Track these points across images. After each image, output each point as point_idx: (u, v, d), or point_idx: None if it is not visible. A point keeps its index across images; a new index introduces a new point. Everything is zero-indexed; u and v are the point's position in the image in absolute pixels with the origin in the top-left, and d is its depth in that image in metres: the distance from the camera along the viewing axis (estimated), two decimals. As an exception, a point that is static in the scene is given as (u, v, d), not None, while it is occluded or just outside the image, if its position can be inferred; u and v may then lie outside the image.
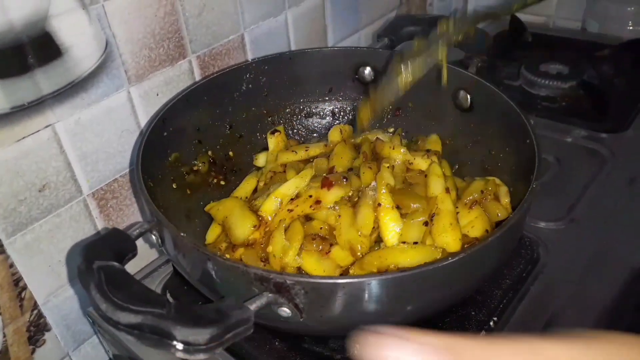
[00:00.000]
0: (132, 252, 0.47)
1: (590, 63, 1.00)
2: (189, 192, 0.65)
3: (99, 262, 0.40)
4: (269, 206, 0.60)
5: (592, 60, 1.01)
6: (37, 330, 0.64)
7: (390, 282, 0.42)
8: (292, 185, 0.61)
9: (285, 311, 0.42)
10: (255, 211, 0.60)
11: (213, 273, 0.44)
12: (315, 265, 0.54)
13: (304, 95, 0.77)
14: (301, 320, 0.43)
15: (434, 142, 0.70)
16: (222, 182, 0.71)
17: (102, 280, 0.39)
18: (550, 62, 1.00)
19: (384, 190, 0.57)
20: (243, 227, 0.57)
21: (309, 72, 0.75)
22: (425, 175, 0.61)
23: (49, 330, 0.66)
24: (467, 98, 0.68)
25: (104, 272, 0.39)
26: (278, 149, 0.71)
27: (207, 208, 0.63)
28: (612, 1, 1.11)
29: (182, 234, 0.46)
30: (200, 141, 0.68)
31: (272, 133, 0.72)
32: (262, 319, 0.41)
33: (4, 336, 0.61)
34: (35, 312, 0.63)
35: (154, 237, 0.49)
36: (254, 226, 0.58)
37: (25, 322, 0.63)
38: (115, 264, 0.41)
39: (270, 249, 0.56)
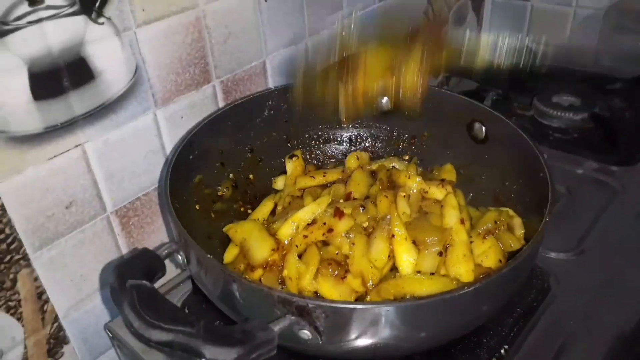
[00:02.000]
0: (161, 271, 0.49)
1: (602, 95, 1.02)
2: (213, 215, 0.67)
3: (131, 281, 0.42)
4: (286, 230, 0.62)
5: (604, 92, 1.03)
6: (56, 342, 0.66)
7: (407, 309, 0.44)
8: (308, 211, 0.63)
9: (306, 334, 0.44)
10: (273, 234, 0.62)
11: (237, 294, 0.46)
12: (331, 290, 0.56)
13: (322, 122, 0.80)
14: (320, 343, 0.44)
15: (448, 172, 0.72)
16: (249, 211, 0.73)
17: (135, 299, 0.41)
18: (562, 93, 1.02)
19: (397, 223, 0.58)
20: (262, 250, 0.59)
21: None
22: (441, 206, 0.62)
23: (67, 343, 0.67)
24: (482, 130, 0.70)
25: (136, 290, 0.41)
26: (296, 173, 0.73)
27: (225, 229, 0.65)
28: (624, 35, 1.13)
29: (208, 256, 0.48)
30: (223, 164, 0.70)
31: (290, 157, 0.74)
32: (283, 340, 0.43)
33: (25, 348, 0.63)
34: (55, 325, 0.65)
35: (180, 257, 0.51)
36: (272, 249, 0.59)
37: (46, 334, 0.64)
38: (147, 283, 0.43)
39: (285, 272, 0.58)
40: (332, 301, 0.48)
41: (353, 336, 0.46)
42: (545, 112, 1.00)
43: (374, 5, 0.95)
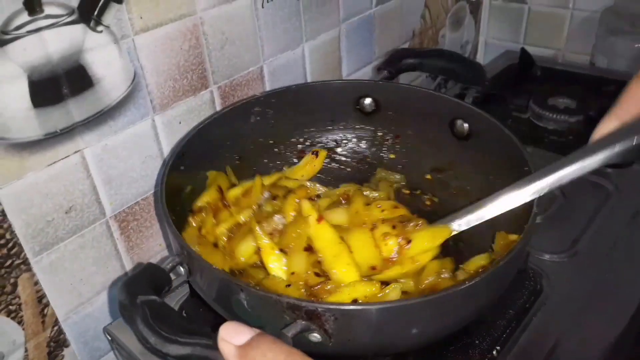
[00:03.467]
0: (168, 284, 0.50)
1: (597, 98, 1.02)
2: None
3: (141, 297, 0.43)
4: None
5: (599, 95, 1.04)
6: (56, 345, 0.67)
7: (409, 307, 0.46)
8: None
9: (316, 337, 0.45)
10: None
11: (245, 303, 0.47)
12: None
13: (308, 125, 0.80)
14: (330, 344, 0.45)
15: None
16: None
17: (147, 314, 0.41)
18: (558, 96, 1.03)
19: (260, 233, 0.60)
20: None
21: (313, 104, 0.78)
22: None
23: (67, 346, 0.68)
24: (465, 126, 0.71)
25: (147, 306, 0.42)
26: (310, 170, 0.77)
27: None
28: (619, 37, 1.14)
29: (213, 266, 0.49)
30: (213, 172, 0.71)
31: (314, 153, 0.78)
32: (294, 345, 0.43)
33: (26, 351, 0.64)
34: (55, 328, 0.66)
35: (182, 269, 0.52)
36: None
37: (46, 337, 0.66)
38: (157, 298, 0.44)
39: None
40: (341, 304, 0.49)
41: (361, 335, 0.47)
42: (541, 114, 1.01)
43: (370, 10, 0.96)
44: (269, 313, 0.47)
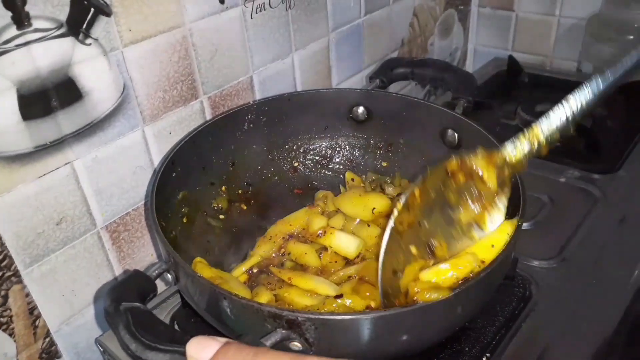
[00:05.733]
0: (153, 292, 0.50)
1: (584, 104, 1.03)
2: (197, 224, 0.70)
3: (125, 304, 0.44)
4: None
5: (586, 101, 1.05)
6: (48, 357, 0.67)
7: (390, 317, 0.46)
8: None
9: (296, 346, 0.45)
10: None
11: (228, 310, 0.47)
12: None
13: (301, 133, 0.81)
14: (311, 353, 0.46)
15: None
16: (244, 207, 0.76)
17: (130, 322, 0.42)
18: (546, 102, 1.04)
19: None
20: None
21: (306, 112, 0.79)
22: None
23: (59, 357, 0.68)
24: (455, 136, 0.72)
25: (130, 313, 0.43)
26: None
27: None
28: (605, 44, 1.16)
29: (198, 275, 0.49)
30: (206, 179, 0.72)
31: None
32: None
33: (17, 363, 0.64)
34: (47, 339, 0.66)
35: (169, 276, 0.53)
36: None
37: (38, 349, 0.66)
38: (141, 305, 0.45)
39: None
40: (321, 313, 0.49)
41: (342, 344, 0.47)
42: (529, 121, 1.00)
43: (359, 19, 0.97)
44: (251, 321, 0.47)
